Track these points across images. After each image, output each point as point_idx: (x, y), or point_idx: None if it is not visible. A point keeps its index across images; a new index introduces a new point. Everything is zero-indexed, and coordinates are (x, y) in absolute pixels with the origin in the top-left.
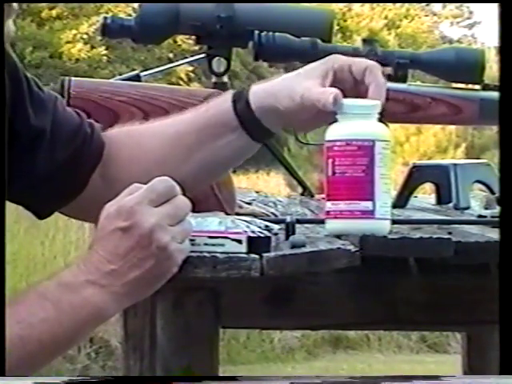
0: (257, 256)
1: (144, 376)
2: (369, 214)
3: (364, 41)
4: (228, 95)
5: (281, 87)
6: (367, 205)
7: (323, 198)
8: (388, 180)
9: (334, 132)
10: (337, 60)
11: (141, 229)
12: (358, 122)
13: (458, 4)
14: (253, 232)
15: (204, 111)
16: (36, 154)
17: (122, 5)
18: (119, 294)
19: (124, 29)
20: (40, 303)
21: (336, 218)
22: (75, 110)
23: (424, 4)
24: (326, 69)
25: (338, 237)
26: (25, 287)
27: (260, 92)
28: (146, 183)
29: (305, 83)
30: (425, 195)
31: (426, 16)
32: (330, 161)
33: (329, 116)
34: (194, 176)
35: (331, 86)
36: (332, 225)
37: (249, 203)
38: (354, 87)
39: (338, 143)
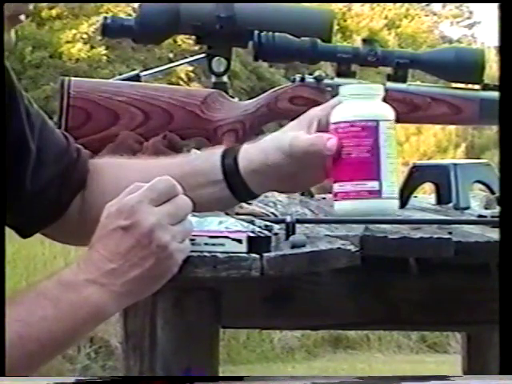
0: (257, 256)
1: (144, 376)
2: (376, 193)
3: (364, 41)
4: (219, 149)
5: (269, 142)
6: (374, 184)
7: (323, 198)
8: (393, 159)
9: (338, 114)
10: (318, 109)
11: (141, 228)
12: (361, 103)
13: (457, 4)
14: (253, 232)
15: (193, 159)
16: (21, 169)
17: (122, 5)
18: (119, 293)
19: (124, 29)
20: (39, 302)
21: (343, 199)
22: (63, 133)
23: (424, 4)
24: (310, 118)
25: (339, 237)
26: (25, 287)
27: (250, 149)
28: None
29: (291, 133)
30: (425, 195)
31: (426, 16)
32: None
33: (317, 174)
34: None
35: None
36: (340, 206)
37: (249, 203)
38: None
39: (342, 125)
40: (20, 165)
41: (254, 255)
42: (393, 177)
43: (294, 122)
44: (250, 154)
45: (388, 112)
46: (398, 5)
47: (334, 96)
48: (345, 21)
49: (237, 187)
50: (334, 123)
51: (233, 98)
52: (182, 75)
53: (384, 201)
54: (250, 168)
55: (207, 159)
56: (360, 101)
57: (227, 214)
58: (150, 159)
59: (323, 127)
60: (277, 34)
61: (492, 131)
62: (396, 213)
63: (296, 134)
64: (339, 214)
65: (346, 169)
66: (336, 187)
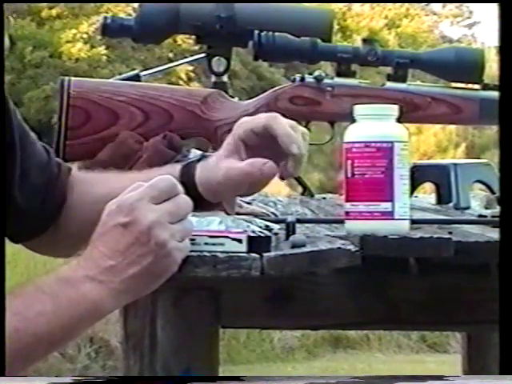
0: (257, 255)
1: (144, 376)
2: (388, 215)
3: (364, 40)
4: (179, 165)
5: (208, 170)
6: (387, 206)
7: (323, 198)
8: (406, 181)
9: (353, 133)
10: (240, 128)
11: (140, 225)
12: (376, 124)
13: (457, 4)
14: (253, 231)
15: (155, 171)
16: (9, 172)
17: (122, 4)
18: (117, 291)
19: (124, 28)
20: (38, 296)
21: (356, 219)
22: (44, 146)
23: (424, 4)
24: (235, 142)
25: (339, 237)
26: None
27: (201, 170)
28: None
29: (223, 163)
30: (425, 195)
31: (426, 16)
32: (349, 162)
33: (259, 187)
34: None
35: (249, 153)
36: (351, 226)
37: (249, 203)
38: (267, 145)
39: (356, 145)
40: (9, 167)
41: (254, 255)
42: (405, 198)
43: (225, 145)
44: (202, 174)
45: (403, 133)
46: (398, 5)
47: (333, 96)
48: (345, 20)
49: (194, 198)
50: (349, 142)
51: (233, 97)
52: (182, 75)
53: (396, 222)
54: (203, 186)
55: (168, 171)
56: (375, 121)
57: (228, 214)
58: (118, 173)
59: (252, 145)
60: (277, 33)
61: (492, 131)
62: (406, 232)
63: (229, 166)
64: (350, 234)
65: (359, 189)
66: (348, 206)
